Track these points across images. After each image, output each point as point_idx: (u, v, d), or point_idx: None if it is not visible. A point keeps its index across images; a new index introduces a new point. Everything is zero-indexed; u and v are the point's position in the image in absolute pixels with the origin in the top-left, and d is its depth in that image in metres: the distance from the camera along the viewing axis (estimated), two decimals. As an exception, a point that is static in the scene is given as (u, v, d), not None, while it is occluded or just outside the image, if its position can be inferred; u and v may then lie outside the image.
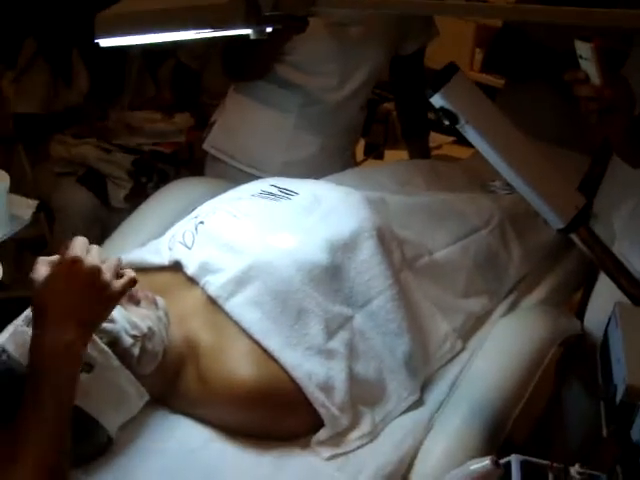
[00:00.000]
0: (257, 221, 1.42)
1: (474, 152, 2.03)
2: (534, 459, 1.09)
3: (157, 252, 1.42)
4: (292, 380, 1.22)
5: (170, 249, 1.40)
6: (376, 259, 1.38)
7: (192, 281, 1.34)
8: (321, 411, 1.22)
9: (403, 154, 2.43)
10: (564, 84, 1.20)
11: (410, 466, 1.24)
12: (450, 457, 1.22)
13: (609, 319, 1.09)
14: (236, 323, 1.26)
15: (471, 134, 1.14)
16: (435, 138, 2.70)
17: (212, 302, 1.30)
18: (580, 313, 1.73)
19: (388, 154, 3.02)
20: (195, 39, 1.18)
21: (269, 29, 1.14)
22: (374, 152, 3.04)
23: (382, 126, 2.87)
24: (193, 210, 1.54)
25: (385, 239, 1.44)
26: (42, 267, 1.03)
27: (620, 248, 1.51)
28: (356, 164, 2.44)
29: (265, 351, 1.23)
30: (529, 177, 1.17)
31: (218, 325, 1.27)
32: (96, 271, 1.02)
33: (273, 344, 1.24)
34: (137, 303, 1.19)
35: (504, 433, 1.32)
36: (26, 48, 2.47)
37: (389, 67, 2.12)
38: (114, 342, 1.11)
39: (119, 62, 2.60)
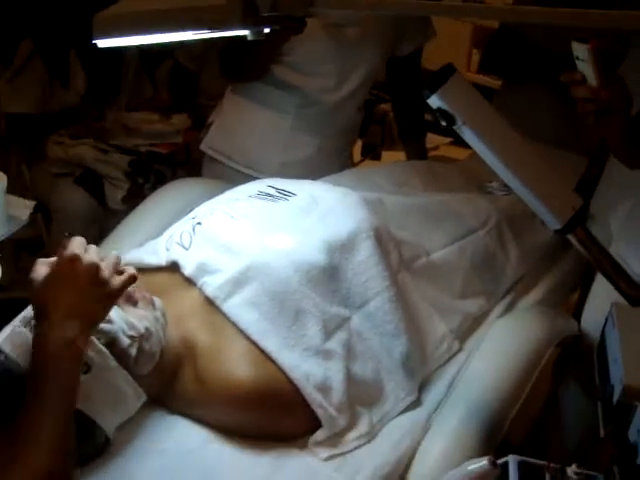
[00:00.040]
0: (254, 222, 1.42)
1: (471, 153, 2.04)
2: (531, 459, 1.09)
3: (154, 253, 1.42)
4: (290, 381, 1.22)
5: (167, 250, 1.40)
6: (373, 260, 1.38)
7: (189, 282, 1.34)
8: (319, 412, 1.22)
9: (400, 155, 2.44)
10: (561, 85, 1.20)
11: (408, 466, 1.24)
12: (448, 457, 1.23)
13: (606, 320, 1.09)
14: (234, 324, 1.26)
15: (468, 135, 1.14)
16: (432, 139, 2.70)
17: (209, 303, 1.30)
18: (577, 314, 1.73)
19: (385, 155, 3.02)
20: (192, 40, 1.18)
21: (267, 30, 1.14)
22: (371, 153, 3.05)
23: (379, 127, 2.87)
24: (190, 211, 1.54)
25: (382, 240, 1.44)
26: (41, 267, 1.04)
27: (617, 249, 1.52)
28: (353, 165, 2.44)
29: (263, 352, 1.23)
30: (526, 178, 1.17)
31: (216, 326, 1.27)
32: (95, 268, 1.02)
33: (271, 345, 1.24)
34: (134, 304, 1.19)
35: (501, 433, 1.32)
36: (22, 48, 2.46)
37: (386, 68, 2.13)
38: (111, 342, 1.11)
39: (116, 63, 2.60)
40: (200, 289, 1.32)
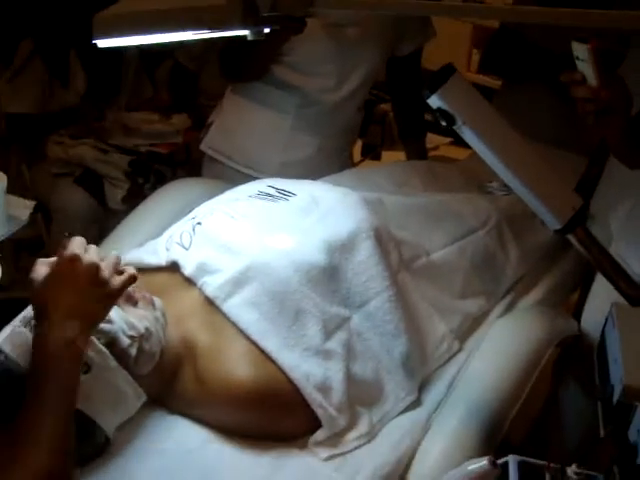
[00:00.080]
0: (254, 222, 1.42)
1: (471, 153, 2.04)
2: (531, 459, 1.09)
3: (154, 253, 1.42)
4: (290, 381, 1.22)
5: (167, 250, 1.40)
6: (373, 260, 1.38)
7: (189, 282, 1.34)
8: (319, 412, 1.22)
9: (400, 155, 2.44)
10: (561, 85, 1.20)
11: (408, 466, 1.24)
12: (448, 457, 1.23)
13: (606, 320, 1.09)
14: (234, 324, 1.26)
15: (468, 135, 1.14)
16: (432, 139, 2.70)
17: (209, 303, 1.30)
18: (577, 314, 1.73)
19: (385, 155, 3.02)
20: (192, 40, 1.18)
21: (267, 30, 1.14)
22: (371, 153, 3.05)
23: (379, 127, 2.87)
24: (190, 211, 1.54)
25: (382, 240, 1.44)
26: (41, 267, 1.04)
27: (617, 249, 1.52)
28: (353, 165, 2.44)
29: (263, 352, 1.23)
30: (526, 178, 1.17)
31: (215, 326, 1.27)
32: (95, 268, 1.03)
33: (271, 345, 1.24)
34: (135, 304, 1.19)
35: (501, 433, 1.32)
36: (22, 48, 2.47)
37: (386, 68, 2.13)
38: (111, 342, 1.11)
39: (116, 63, 2.60)
40: (200, 289, 1.32)
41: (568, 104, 1.22)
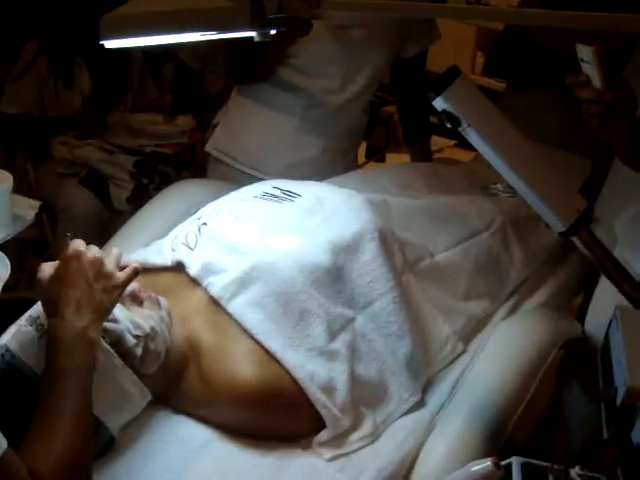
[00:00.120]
0: (260, 223, 1.42)
1: (475, 155, 2.04)
2: (535, 461, 1.09)
3: (160, 253, 1.42)
4: (294, 381, 1.22)
5: (173, 250, 1.40)
6: (378, 261, 1.39)
7: (195, 282, 1.34)
8: (323, 412, 1.23)
9: (405, 157, 2.44)
10: (565, 87, 1.20)
11: (411, 467, 1.24)
12: (451, 458, 1.23)
13: (610, 322, 1.09)
14: (238, 324, 1.27)
15: (473, 137, 1.15)
16: (437, 141, 2.70)
17: (214, 303, 1.30)
18: (581, 316, 1.73)
19: (389, 157, 3.03)
20: (198, 40, 1.19)
21: (273, 32, 1.14)
22: (376, 155, 3.05)
23: (384, 129, 2.88)
24: (196, 211, 1.54)
25: (387, 241, 1.44)
26: (47, 267, 1.07)
27: (621, 252, 1.51)
28: (357, 167, 2.45)
29: (267, 352, 1.24)
30: (531, 180, 1.17)
31: (220, 326, 1.28)
32: (99, 262, 1.07)
33: (275, 345, 1.24)
34: (140, 303, 1.20)
35: (505, 434, 1.32)
36: (27, 50, 2.47)
37: (391, 70, 2.13)
38: (117, 342, 1.12)
39: (121, 64, 2.61)
40: (205, 289, 1.32)
41: (573, 106, 1.23)
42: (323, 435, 1.23)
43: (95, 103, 2.59)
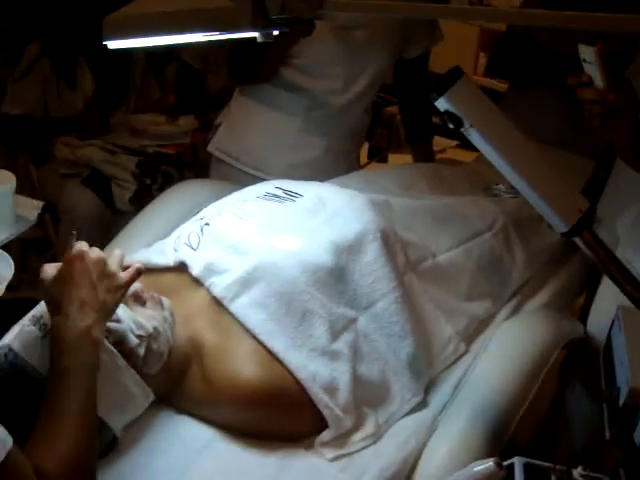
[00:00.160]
0: (262, 223, 1.42)
1: (478, 156, 2.04)
2: (537, 461, 1.09)
3: (162, 253, 1.42)
4: (296, 381, 1.23)
5: (175, 250, 1.41)
6: (380, 261, 1.39)
7: (197, 282, 1.34)
8: (325, 412, 1.23)
9: (407, 158, 2.44)
10: (568, 88, 1.20)
11: (414, 467, 1.24)
12: (454, 458, 1.23)
13: (612, 322, 1.09)
14: (241, 324, 1.27)
15: (475, 137, 1.15)
16: (439, 142, 2.71)
17: (217, 303, 1.31)
18: (583, 316, 1.73)
19: (392, 157, 3.03)
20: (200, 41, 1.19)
21: (276, 32, 1.14)
22: (378, 155, 3.05)
23: (386, 130, 2.88)
24: (198, 212, 1.55)
25: (389, 242, 1.44)
26: (49, 268, 1.07)
27: (624, 253, 1.51)
28: (360, 167, 2.45)
29: (270, 352, 1.24)
30: (533, 180, 1.17)
31: (223, 326, 1.28)
32: (102, 262, 1.07)
33: (278, 345, 1.24)
34: (143, 304, 1.20)
35: (507, 435, 1.32)
36: (29, 50, 2.48)
37: (394, 71, 2.13)
38: (120, 342, 1.12)
39: (123, 65, 2.61)
40: (208, 289, 1.32)
41: (575, 107, 1.23)
42: (325, 435, 1.23)
43: (97, 104, 2.59)
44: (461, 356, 1.48)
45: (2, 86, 2.50)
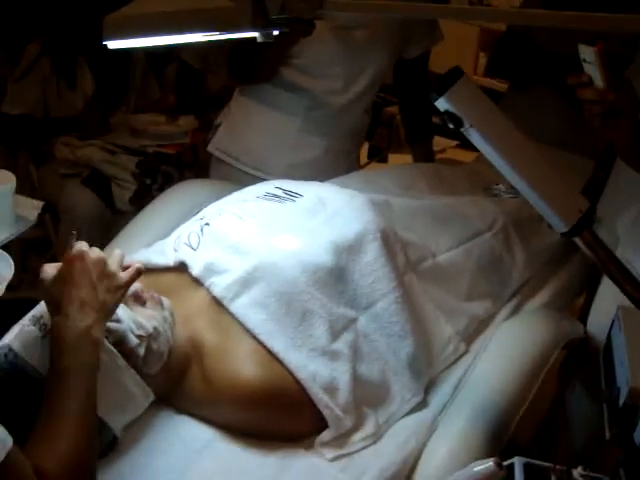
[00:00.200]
0: (262, 223, 1.42)
1: (478, 156, 2.04)
2: (537, 461, 1.09)
3: (162, 253, 1.43)
4: (296, 381, 1.23)
5: (175, 250, 1.41)
6: (380, 261, 1.39)
7: (197, 282, 1.34)
8: (325, 412, 1.23)
9: (407, 158, 2.44)
10: (568, 88, 1.20)
11: (414, 467, 1.24)
12: (454, 458, 1.23)
13: (612, 322, 1.09)
14: (241, 324, 1.27)
15: (475, 137, 1.15)
16: (439, 142, 2.71)
17: (217, 303, 1.31)
18: (583, 316, 1.73)
19: (392, 158, 3.03)
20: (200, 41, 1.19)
21: (276, 32, 1.14)
22: (378, 155, 3.05)
23: (386, 130, 2.88)
24: (198, 212, 1.55)
25: (389, 242, 1.44)
26: (49, 268, 1.07)
27: (624, 253, 1.51)
28: (360, 167, 2.45)
29: (269, 352, 1.24)
30: (533, 180, 1.17)
31: (223, 325, 1.28)
32: (102, 262, 1.07)
33: (278, 345, 1.24)
34: (143, 304, 1.20)
35: (507, 435, 1.32)
36: (29, 50, 2.48)
37: (394, 71, 2.13)
38: (120, 342, 1.12)
39: (123, 65, 2.61)
40: (208, 289, 1.32)
41: (575, 107, 1.23)
42: (325, 435, 1.23)
43: (97, 104, 2.59)
44: (461, 356, 1.48)
45: (2, 86, 2.50)
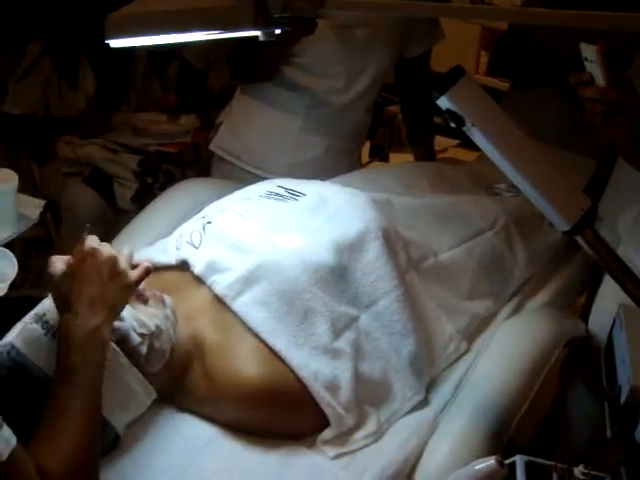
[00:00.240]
0: (264, 221, 1.43)
1: (479, 155, 2.04)
2: (538, 460, 1.10)
3: (164, 251, 1.43)
4: (298, 379, 1.23)
5: (177, 249, 1.41)
6: (382, 260, 1.39)
7: (199, 280, 1.35)
8: (327, 410, 1.23)
9: (408, 157, 2.44)
10: (569, 87, 1.20)
11: (415, 465, 1.25)
12: (455, 456, 1.23)
13: (613, 321, 1.09)
14: (243, 322, 1.27)
15: (477, 136, 1.15)
16: (440, 141, 2.71)
17: (219, 301, 1.31)
18: (585, 315, 1.73)
19: (393, 157, 3.03)
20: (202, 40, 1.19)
21: (278, 31, 1.14)
22: (379, 154, 3.05)
23: (387, 129, 2.88)
24: (200, 210, 1.55)
25: (391, 240, 1.45)
26: (57, 262, 1.07)
27: (625, 252, 1.51)
28: (361, 166, 2.45)
29: (271, 350, 1.24)
30: (535, 179, 1.18)
31: (225, 324, 1.28)
32: (113, 260, 1.07)
33: (279, 343, 1.24)
34: (145, 302, 1.20)
35: (509, 433, 1.32)
36: (31, 50, 2.48)
37: (395, 70, 2.13)
38: (122, 340, 1.12)
39: (125, 64, 2.62)
40: (210, 287, 1.32)
41: (576, 106, 1.23)
42: (327, 433, 1.24)
43: (99, 103, 2.59)
44: (462, 355, 1.48)
45: (3, 86, 2.50)
